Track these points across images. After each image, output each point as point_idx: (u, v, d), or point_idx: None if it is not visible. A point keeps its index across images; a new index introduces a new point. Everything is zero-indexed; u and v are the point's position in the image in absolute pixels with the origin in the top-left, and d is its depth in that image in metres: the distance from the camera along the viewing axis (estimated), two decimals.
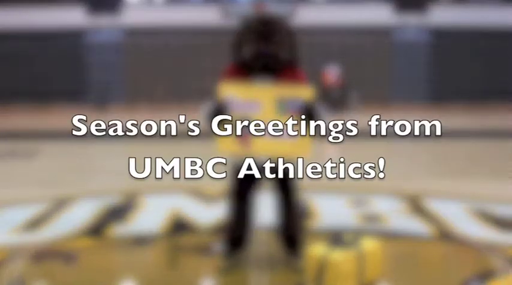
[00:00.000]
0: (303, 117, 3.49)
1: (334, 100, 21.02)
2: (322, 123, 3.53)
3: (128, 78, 22.00)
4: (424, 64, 21.98)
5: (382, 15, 21.32)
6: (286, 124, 3.51)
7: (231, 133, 3.52)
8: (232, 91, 3.52)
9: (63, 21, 21.15)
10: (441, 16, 21.30)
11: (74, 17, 21.24)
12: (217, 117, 3.50)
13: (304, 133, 3.52)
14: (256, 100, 3.52)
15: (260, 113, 3.51)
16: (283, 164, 3.65)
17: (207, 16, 20.46)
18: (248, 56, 3.51)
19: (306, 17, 19.69)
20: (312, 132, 3.55)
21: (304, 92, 3.52)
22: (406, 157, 9.36)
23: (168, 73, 21.79)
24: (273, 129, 3.51)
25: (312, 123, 3.51)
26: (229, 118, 3.50)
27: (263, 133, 3.52)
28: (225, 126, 3.50)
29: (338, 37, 22.06)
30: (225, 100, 3.51)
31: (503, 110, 20.67)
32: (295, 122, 3.50)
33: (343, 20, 21.06)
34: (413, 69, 21.90)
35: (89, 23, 21.34)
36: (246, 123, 3.51)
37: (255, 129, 3.51)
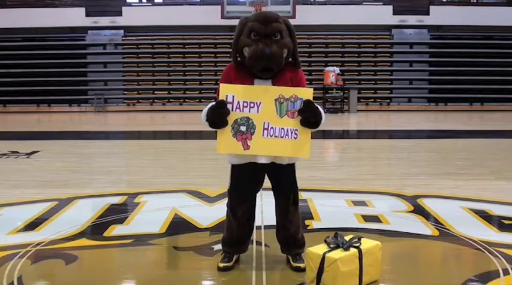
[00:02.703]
0: (303, 116, 3.49)
1: (334, 100, 21.05)
2: (321, 123, 3.53)
3: (128, 78, 21.98)
4: (424, 64, 21.96)
5: (382, 15, 21.30)
6: (286, 124, 3.51)
7: (231, 133, 3.52)
8: (232, 92, 3.52)
9: (64, 20, 21.13)
10: (442, 16, 21.28)
11: (74, 17, 21.21)
12: (215, 109, 3.47)
13: (304, 133, 3.52)
14: (256, 100, 3.51)
15: (260, 113, 3.51)
16: (284, 164, 3.64)
17: (207, 16, 20.43)
18: (248, 56, 3.50)
19: (306, 16, 19.66)
20: (312, 132, 3.55)
21: (304, 92, 3.52)
22: (406, 157, 9.36)
23: (167, 73, 21.78)
24: (273, 129, 3.51)
25: (312, 123, 3.51)
26: (226, 110, 3.48)
27: (263, 133, 3.51)
28: (222, 119, 3.48)
29: (338, 37, 22.07)
30: (224, 98, 3.49)
31: (503, 110, 20.68)
32: (295, 122, 3.50)
33: (344, 20, 21.04)
34: (414, 69, 21.88)
35: (89, 23, 21.32)
36: (246, 123, 3.51)
37: (254, 129, 3.51)
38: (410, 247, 4.40)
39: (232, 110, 3.51)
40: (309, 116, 3.48)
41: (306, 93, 3.52)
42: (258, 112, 3.51)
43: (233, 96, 3.51)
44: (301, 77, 3.63)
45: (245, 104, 3.51)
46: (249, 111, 3.51)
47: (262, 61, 3.44)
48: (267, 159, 3.58)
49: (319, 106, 3.52)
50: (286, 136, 3.51)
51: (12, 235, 4.63)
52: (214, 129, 3.54)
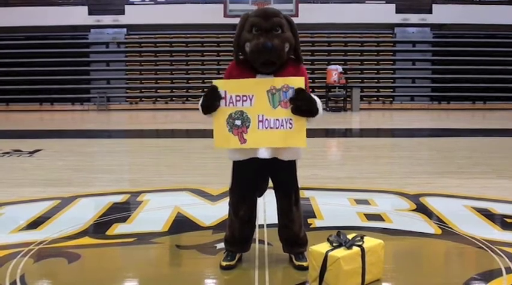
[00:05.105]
0: (294, 105, 3.46)
1: (337, 98, 21.04)
2: (318, 112, 3.52)
3: (130, 77, 22.00)
4: (427, 62, 21.94)
5: (385, 14, 21.27)
6: (280, 115, 3.49)
7: (226, 128, 3.52)
8: (223, 87, 3.52)
9: (66, 19, 21.13)
10: (444, 14, 21.25)
11: (76, 15, 21.22)
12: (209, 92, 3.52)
13: (299, 122, 3.51)
14: (249, 93, 3.50)
15: (253, 106, 3.50)
16: (285, 160, 3.64)
17: (210, 14, 20.42)
18: (250, 50, 3.48)
19: (308, 15, 19.63)
20: (309, 121, 3.54)
21: (294, 81, 3.49)
22: (408, 156, 9.35)
23: (170, 71, 21.79)
24: (268, 121, 3.51)
25: (304, 111, 3.49)
26: (217, 94, 3.50)
27: (258, 125, 3.51)
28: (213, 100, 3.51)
29: (341, 35, 22.06)
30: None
31: (505, 109, 20.65)
32: (289, 112, 3.49)
33: (346, 19, 21.01)
34: (416, 67, 21.86)
35: (91, 21, 21.32)
36: (240, 117, 3.51)
37: (249, 122, 3.51)
38: (412, 246, 4.39)
39: (225, 105, 3.51)
40: (300, 104, 3.46)
41: (297, 81, 3.50)
42: (251, 105, 3.51)
43: (225, 91, 3.51)
44: (303, 72, 3.62)
45: (238, 98, 3.51)
46: (242, 105, 3.51)
47: (263, 55, 3.43)
48: (268, 154, 3.55)
49: (312, 95, 3.50)
50: (282, 127, 3.50)
51: (14, 234, 4.63)
52: (206, 114, 3.56)
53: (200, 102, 3.56)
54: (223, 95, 3.51)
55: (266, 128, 3.51)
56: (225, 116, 3.52)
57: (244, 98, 3.51)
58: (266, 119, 3.51)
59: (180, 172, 7.79)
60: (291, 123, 3.50)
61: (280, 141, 3.52)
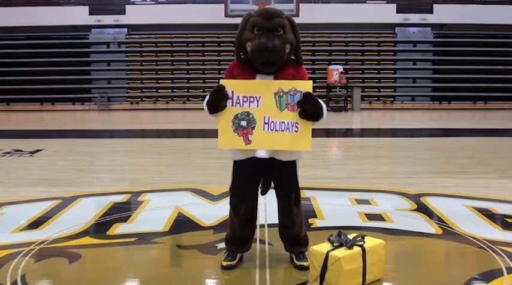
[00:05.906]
0: (302, 108, 3.47)
1: (338, 98, 21.05)
2: (322, 116, 3.52)
3: (131, 77, 22.01)
4: (427, 62, 21.94)
5: (386, 14, 21.27)
6: (287, 118, 3.50)
7: (232, 128, 3.51)
8: (231, 87, 3.52)
9: (67, 19, 21.13)
10: (445, 14, 21.24)
11: (77, 15, 21.22)
12: (215, 92, 3.50)
13: (305, 126, 3.52)
14: (256, 94, 3.51)
15: (260, 107, 3.51)
16: (284, 160, 3.64)
17: (211, 14, 20.42)
18: (251, 49, 3.48)
19: (309, 15, 19.63)
20: (313, 125, 3.54)
21: (303, 85, 3.50)
22: (409, 156, 9.35)
23: (171, 71, 21.80)
24: (274, 123, 3.51)
25: (311, 115, 3.50)
26: (225, 94, 3.49)
27: (264, 127, 3.51)
28: (220, 101, 3.50)
29: (342, 35, 22.05)
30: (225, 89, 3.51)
31: (506, 109, 20.64)
32: (296, 115, 3.50)
33: (347, 18, 21.01)
34: (417, 67, 21.86)
35: (92, 21, 21.32)
36: (246, 117, 3.51)
37: (255, 124, 3.51)
38: (413, 245, 4.39)
39: (232, 105, 3.51)
40: (307, 108, 3.46)
41: (305, 85, 3.51)
42: (258, 106, 3.51)
43: (232, 91, 3.51)
44: (303, 73, 3.62)
45: (245, 99, 3.51)
46: (249, 106, 3.51)
47: (264, 54, 3.43)
48: (266, 154, 3.54)
49: (319, 99, 3.51)
50: (287, 130, 3.50)
51: (15, 234, 4.63)
52: (213, 114, 3.55)
53: (205, 101, 3.55)
54: (230, 95, 3.51)
55: (272, 130, 3.50)
56: (230, 116, 3.52)
57: (252, 99, 3.51)
58: (272, 121, 3.50)
59: (180, 172, 7.79)
60: (297, 127, 3.50)
61: (286, 144, 3.52)
